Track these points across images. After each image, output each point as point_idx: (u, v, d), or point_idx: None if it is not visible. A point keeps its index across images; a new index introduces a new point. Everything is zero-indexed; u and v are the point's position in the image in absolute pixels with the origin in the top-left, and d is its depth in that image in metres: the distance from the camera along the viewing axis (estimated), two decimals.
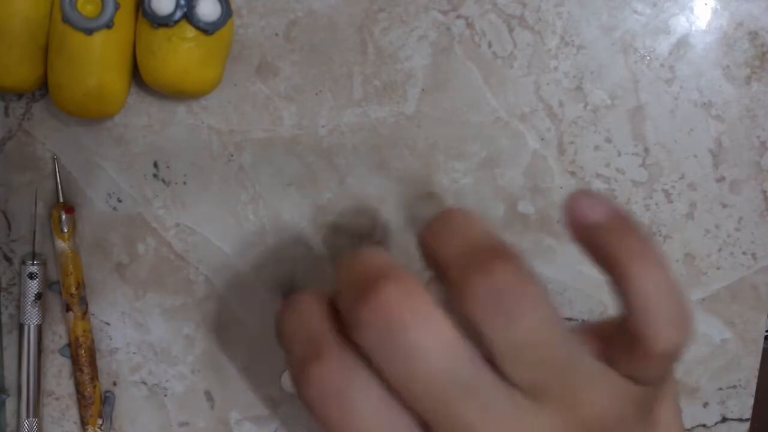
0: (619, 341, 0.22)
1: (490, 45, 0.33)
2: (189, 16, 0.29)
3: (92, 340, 0.35)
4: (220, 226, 0.35)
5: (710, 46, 0.33)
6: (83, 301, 0.35)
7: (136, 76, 0.32)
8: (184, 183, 0.34)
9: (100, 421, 0.36)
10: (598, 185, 0.34)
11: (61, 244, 0.34)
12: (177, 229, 0.35)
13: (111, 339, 0.36)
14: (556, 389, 0.20)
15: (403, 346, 0.19)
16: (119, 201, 0.35)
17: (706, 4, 0.32)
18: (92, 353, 0.35)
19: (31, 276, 0.34)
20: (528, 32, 0.33)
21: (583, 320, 0.35)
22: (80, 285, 0.34)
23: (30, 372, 0.35)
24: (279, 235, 0.35)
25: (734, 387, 0.35)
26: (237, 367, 0.36)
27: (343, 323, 0.21)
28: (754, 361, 0.35)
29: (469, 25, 0.33)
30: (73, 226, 0.34)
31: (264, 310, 0.35)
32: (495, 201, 0.34)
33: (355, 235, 0.35)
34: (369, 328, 0.20)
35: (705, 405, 0.36)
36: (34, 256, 0.34)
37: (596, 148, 0.33)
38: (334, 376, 0.20)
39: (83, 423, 0.36)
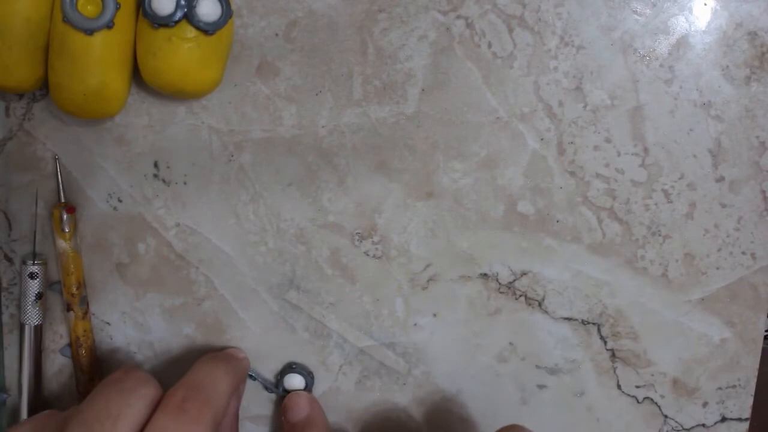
0: None
1: (490, 45, 0.33)
2: (189, 16, 0.29)
3: (93, 340, 0.35)
4: (220, 226, 0.35)
5: (709, 47, 0.33)
6: (84, 301, 0.35)
7: (137, 76, 0.32)
8: (185, 183, 0.34)
9: None
10: (597, 185, 0.34)
11: (62, 244, 0.34)
12: (177, 229, 0.35)
13: (111, 339, 0.36)
14: None
15: None
16: (120, 201, 0.35)
17: (705, 4, 0.32)
18: (93, 353, 0.35)
19: (32, 276, 0.34)
20: (528, 32, 0.33)
21: (583, 320, 0.35)
22: (81, 285, 0.34)
23: (31, 372, 0.35)
24: (279, 235, 0.35)
25: (733, 387, 0.35)
26: None
27: None
28: (753, 361, 0.35)
29: (469, 25, 0.33)
30: (74, 226, 0.34)
31: (264, 310, 0.35)
32: (495, 201, 0.34)
33: (355, 235, 0.35)
34: None
35: (704, 405, 0.36)
36: (34, 255, 0.34)
37: (596, 148, 0.34)
38: None
39: None
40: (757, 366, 0.35)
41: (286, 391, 0.36)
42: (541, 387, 0.36)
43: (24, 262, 0.34)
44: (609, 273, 0.34)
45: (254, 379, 0.36)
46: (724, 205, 0.34)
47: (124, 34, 0.30)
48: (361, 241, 0.35)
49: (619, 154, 0.34)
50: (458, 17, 0.33)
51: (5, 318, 0.36)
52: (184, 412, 0.26)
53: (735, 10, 0.32)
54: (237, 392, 0.33)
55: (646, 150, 0.33)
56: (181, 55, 0.30)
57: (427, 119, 0.33)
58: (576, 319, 0.35)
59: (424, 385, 0.36)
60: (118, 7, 0.29)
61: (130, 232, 0.35)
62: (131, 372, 0.28)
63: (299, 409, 0.34)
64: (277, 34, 0.33)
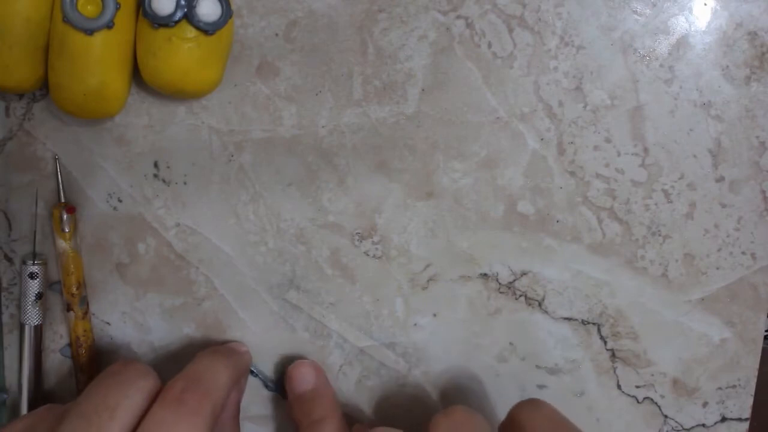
0: None
1: (490, 45, 0.33)
2: (189, 16, 0.29)
3: (93, 340, 0.35)
4: (220, 226, 0.35)
5: (709, 47, 0.33)
6: (84, 301, 0.35)
7: (137, 76, 0.32)
8: (185, 183, 0.34)
9: None
10: (597, 185, 0.34)
11: (62, 244, 0.34)
12: (177, 229, 0.35)
13: (111, 339, 0.36)
14: None
15: None
16: (120, 201, 0.35)
17: (705, 4, 0.32)
18: (93, 353, 0.35)
19: (32, 276, 0.34)
20: (528, 32, 0.33)
21: (583, 320, 0.35)
22: (81, 285, 0.34)
23: (31, 372, 0.35)
24: (279, 235, 0.35)
25: (734, 387, 0.35)
26: None
27: None
28: (753, 361, 0.35)
29: (469, 25, 0.33)
30: (74, 226, 0.34)
31: (264, 310, 0.35)
32: (495, 201, 0.34)
33: (355, 235, 0.35)
34: None
35: (704, 405, 0.36)
36: (34, 255, 0.34)
37: (596, 148, 0.34)
38: None
39: None
40: (757, 366, 0.35)
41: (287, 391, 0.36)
42: (541, 387, 0.36)
43: (24, 262, 0.34)
44: (609, 273, 0.34)
45: (255, 375, 0.36)
46: (724, 205, 0.34)
47: (124, 34, 0.30)
48: (361, 241, 0.35)
49: (619, 154, 0.34)
50: (458, 17, 0.33)
51: (5, 318, 0.36)
52: (182, 403, 0.26)
53: (735, 10, 0.32)
54: (238, 386, 0.33)
55: (646, 150, 0.33)
56: (181, 55, 0.30)
57: (427, 119, 0.33)
58: (576, 319, 0.35)
59: (424, 385, 0.36)
60: (118, 7, 0.29)
61: (130, 232, 0.35)
62: (129, 364, 0.28)
63: (305, 379, 0.34)
64: (277, 34, 0.33)
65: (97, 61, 0.29)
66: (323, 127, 0.34)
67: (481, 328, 0.35)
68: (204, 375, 0.28)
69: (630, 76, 0.33)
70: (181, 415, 0.26)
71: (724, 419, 0.36)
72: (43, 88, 0.33)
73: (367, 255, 0.35)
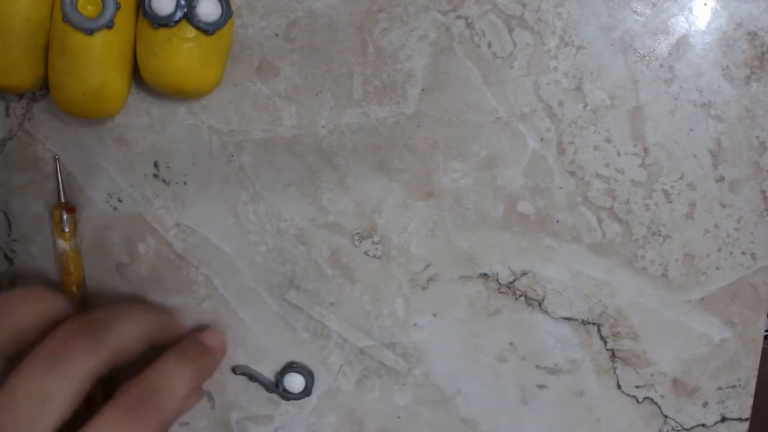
0: None
1: (490, 45, 0.33)
2: (189, 16, 0.29)
3: None
4: (220, 226, 0.35)
5: (709, 47, 0.33)
6: (84, 301, 0.35)
7: (137, 76, 0.32)
8: (185, 183, 0.34)
9: None
10: (597, 185, 0.34)
11: (63, 244, 0.34)
12: (177, 229, 0.35)
13: None
14: None
15: None
16: (120, 201, 0.35)
17: (705, 4, 0.32)
18: None
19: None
20: (528, 32, 0.33)
21: (583, 320, 0.35)
22: (81, 285, 0.34)
23: None
24: (279, 235, 0.35)
25: (734, 387, 0.35)
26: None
27: None
28: (753, 361, 0.35)
29: (469, 25, 0.33)
30: (74, 226, 0.34)
31: (264, 310, 0.35)
32: (495, 201, 0.34)
33: (355, 235, 0.35)
34: None
35: (704, 405, 0.36)
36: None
37: (596, 148, 0.34)
38: None
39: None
40: (757, 366, 0.35)
41: (286, 391, 0.36)
42: (541, 387, 0.36)
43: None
44: (609, 273, 0.34)
45: (254, 380, 0.36)
46: (724, 205, 0.34)
47: (124, 34, 0.30)
48: (361, 241, 0.35)
49: (619, 154, 0.34)
50: (458, 17, 0.33)
51: None
52: (133, 416, 0.25)
53: (735, 10, 0.32)
54: (197, 391, 0.30)
55: (646, 150, 0.33)
56: (181, 55, 0.30)
57: (427, 119, 0.33)
58: (576, 319, 0.35)
59: (424, 385, 0.36)
60: (118, 7, 0.29)
61: (130, 232, 0.35)
62: (69, 339, 0.26)
63: (216, 339, 0.32)
64: (277, 34, 0.33)
65: (97, 61, 0.29)
66: (323, 127, 0.34)
67: (481, 328, 0.35)
68: (161, 385, 0.27)
69: (630, 76, 0.33)
70: (126, 427, 0.25)
71: (724, 419, 0.36)
72: (43, 88, 0.33)
73: (367, 255, 0.35)
